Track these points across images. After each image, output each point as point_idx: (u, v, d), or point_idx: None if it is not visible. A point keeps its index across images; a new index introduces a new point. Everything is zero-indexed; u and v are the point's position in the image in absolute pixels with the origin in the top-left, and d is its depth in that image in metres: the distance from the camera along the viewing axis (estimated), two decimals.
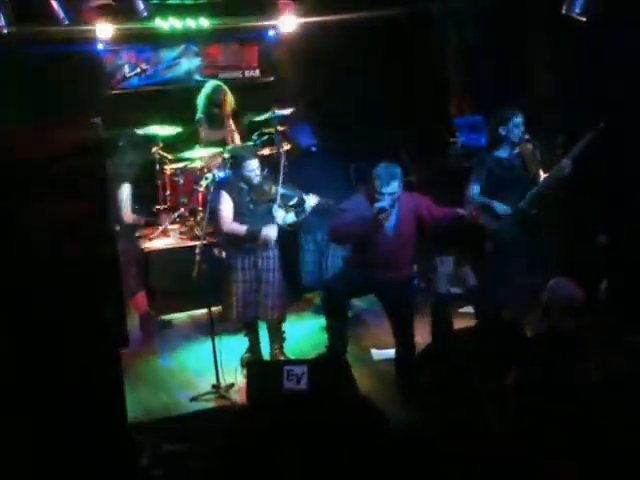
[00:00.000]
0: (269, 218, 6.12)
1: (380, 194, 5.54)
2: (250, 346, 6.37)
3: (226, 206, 6.05)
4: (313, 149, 7.62)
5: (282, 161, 6.31)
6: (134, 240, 7.30)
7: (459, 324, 6.00)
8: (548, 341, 4.49)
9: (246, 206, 6.08)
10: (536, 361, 4.34)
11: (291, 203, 6.31)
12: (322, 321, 6.39)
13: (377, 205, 5.53)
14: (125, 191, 6.90)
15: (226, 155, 7.96)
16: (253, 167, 6.02)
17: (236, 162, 6.21)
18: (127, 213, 6.92)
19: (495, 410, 4.21)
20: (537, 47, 7.60)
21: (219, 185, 6.54)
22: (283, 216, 6.15)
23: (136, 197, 7.10)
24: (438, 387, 4.44)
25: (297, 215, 6.21)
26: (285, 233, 7.32)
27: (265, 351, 6.37)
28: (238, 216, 6.07)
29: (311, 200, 6.21)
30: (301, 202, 6.21)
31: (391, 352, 6.04)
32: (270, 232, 6.04)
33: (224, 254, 6.44)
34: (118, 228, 6.62)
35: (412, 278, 6.15)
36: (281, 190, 6.15)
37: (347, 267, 6.15)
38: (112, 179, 6.29)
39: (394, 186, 5.54)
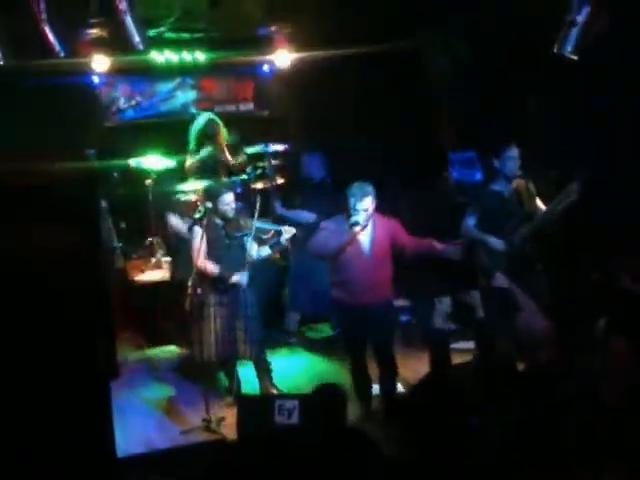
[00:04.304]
0: (244, 252, 6.00)
1: (354, 210, 5.68)
2: (229, 387, 6.19)
3: (199, 241, 5.93)
4: (328, 180, 7.61)
5: (258, 196, 6.24)
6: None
7: (453, 359, 6.01)
8: (530, 374, 4.52)
9: (221, 241, 6.02)
10: (524, 396, 4.35)
11: (265, 236, 6.30)
12: (314, 355, 6.36)
13: (351, 219, 5.67)
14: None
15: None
16: (228, 201, 5.99)
17: (211, 197, 6.13)
18: None
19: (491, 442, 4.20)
20: (528, 83, 7.66)
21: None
22: (257, 249, 6.09)
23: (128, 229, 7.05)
24: (433, 421, 4.42)
25: (272, 248, 6.15)
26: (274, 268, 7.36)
27: (254, 386, 6.22)
28: (213, 251, 5.98)
29: (287, 232, 6.13)
30: (276, 235, 6.18)
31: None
32: (241, 278, 5.95)
33: (198, 290, 6.00)
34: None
35: (391, 303, 6.10)
36: (257, 224, 6.10)
37: (333, 295, 6.04)
38: None
39: (367, 202, 5.69)
